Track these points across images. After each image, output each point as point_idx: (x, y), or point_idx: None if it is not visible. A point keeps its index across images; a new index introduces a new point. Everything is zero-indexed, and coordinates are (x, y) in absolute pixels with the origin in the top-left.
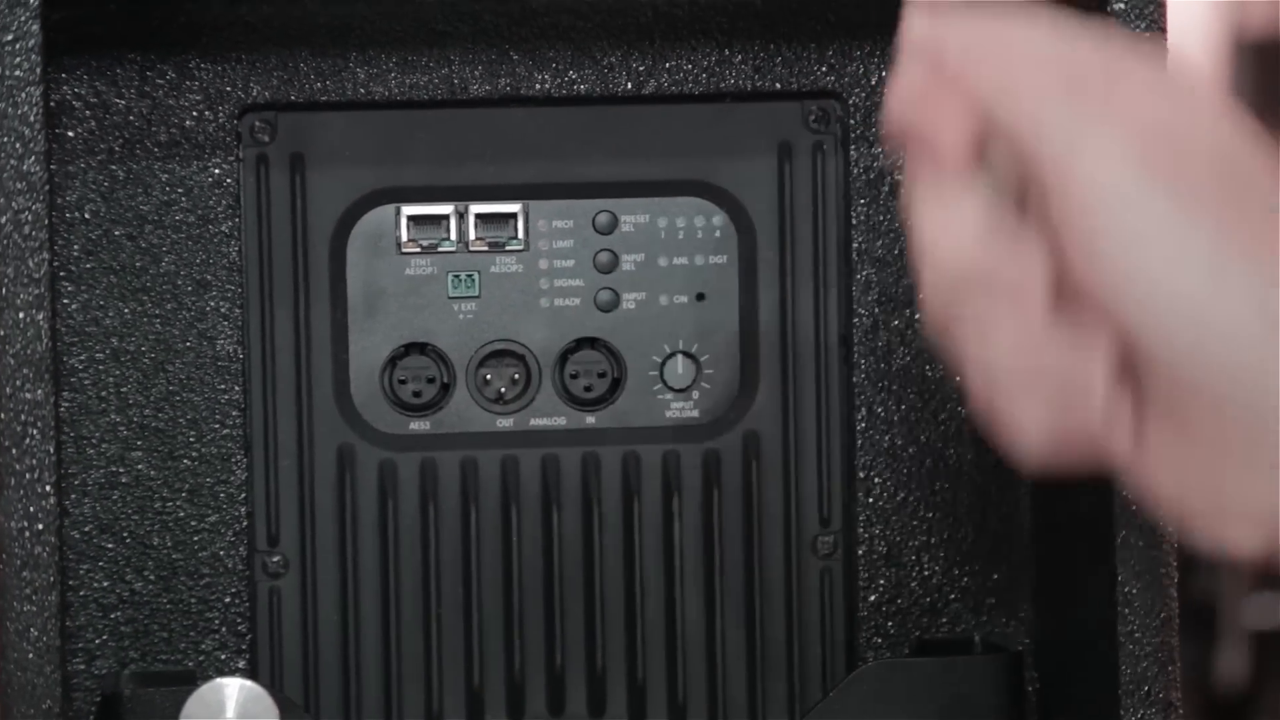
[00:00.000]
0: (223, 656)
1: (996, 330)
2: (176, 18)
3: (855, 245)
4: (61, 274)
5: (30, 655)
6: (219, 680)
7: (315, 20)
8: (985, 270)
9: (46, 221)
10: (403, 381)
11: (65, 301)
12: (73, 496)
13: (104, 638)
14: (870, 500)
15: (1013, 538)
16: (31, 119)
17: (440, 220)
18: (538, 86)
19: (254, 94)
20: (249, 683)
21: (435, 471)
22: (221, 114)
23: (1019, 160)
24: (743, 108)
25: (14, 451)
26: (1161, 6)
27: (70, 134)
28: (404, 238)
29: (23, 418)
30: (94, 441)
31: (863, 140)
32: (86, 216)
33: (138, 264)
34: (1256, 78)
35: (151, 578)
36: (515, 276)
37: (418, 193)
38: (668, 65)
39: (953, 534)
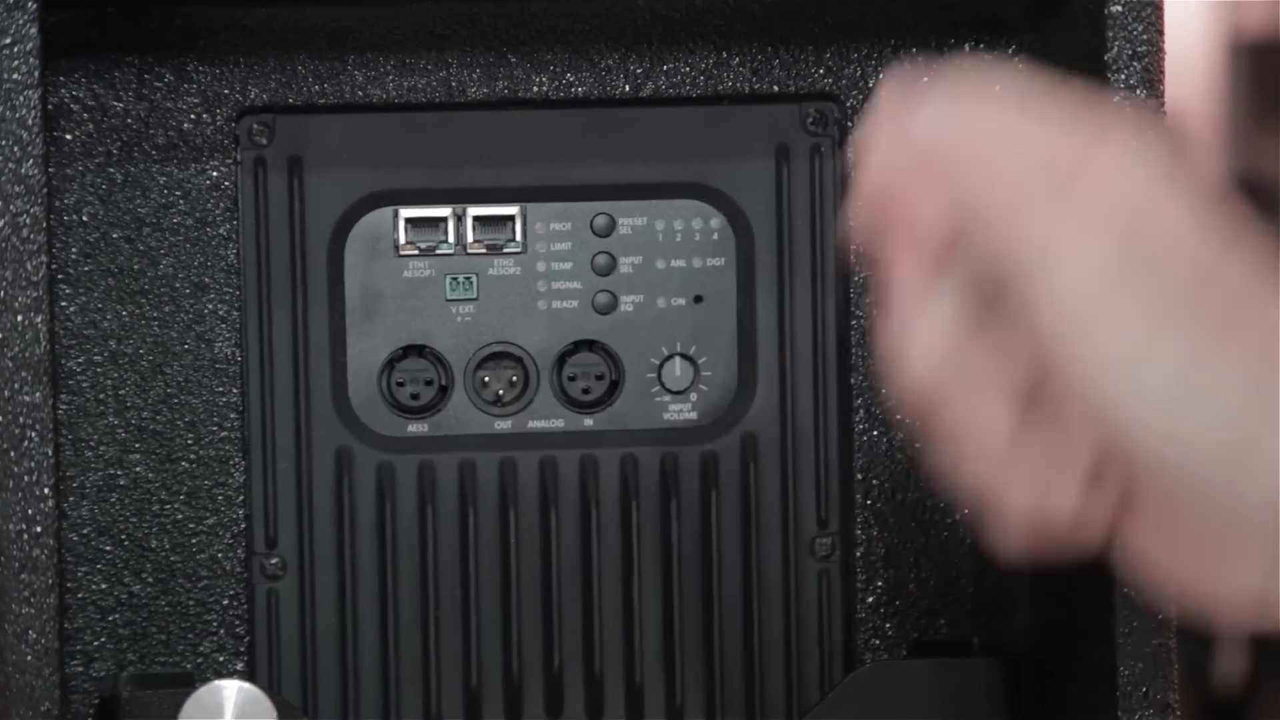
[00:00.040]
0: (221, 659)
1: (970, 427)
2: (174, 21)
3: (853, 247)
4: (59, 277)
5: (29, 657)
6: (217, 682)
7: (313, 23)
8: (958, 368)
9: (45, 224)
10: (401, 384)
11: (63, 304)
12: (71, 499)
13: (102, 640)
14: (868, 502)
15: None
16: (30, 122)
17: (438, 223)
18: (535, 89)
19: (252, 97)
20: (247, 685)
21: (433, 474)
22: (219, 117)
23: (992, 262)
24: (740, 110)
25: (12, 454)
26: (1159, 9)
27: (68, 137)
28: (402, 240)
29: (21, 420)
30: (92, 444)
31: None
32: (84, 219)
33: (136, 266)
34: (1253, 79)
35: (150, 580)
36: (513, 279)
37: (415, 195)
38: (665, 68)
39: (950, 536)
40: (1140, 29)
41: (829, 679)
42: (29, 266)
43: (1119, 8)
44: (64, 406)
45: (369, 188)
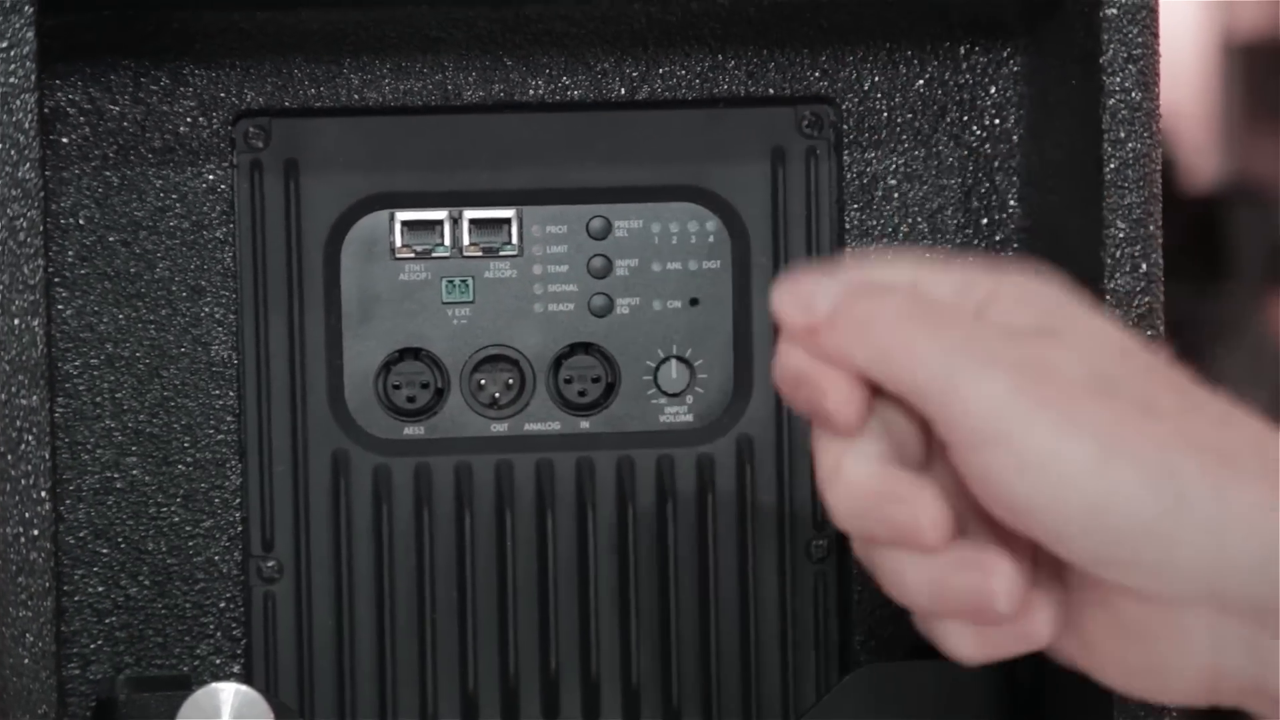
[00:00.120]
0: (217, 661)
1: (902, 563)
2: (170, 24)
3: (848, 250)
4: (56, 280)
5: (26, 660)
6: (214, 685)
7: (309, 27)
8: (880, 510)
9: (41, 228)
10: (397, 387)
11: (60, 307)
12: (67, 502)
13: (99, 643)
14: None
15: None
16: (26, 126)
17: (434, 226)
18: (531, 92)
19: (248, 100)
20: (244, 687)
21: (429, 476)
22: (215, 120)
23: (914, 405)
24: (736, 113)
25: (9, 457)
26: (1154, 11)
27: (64, 140)
28: (398, 243)
29: (18, 423)
30: (89, 447)
31: (855, 145)
32: (81, 222)
33: (132, 270)
34: (1247, 80)
35: (146, 583)
36: (509, 282)
37: (412, 198)
38: (661, 71)
39: None
40: (1135, 31)
41: (825, 681)
42: (26, 270)
43: (1114, 10)
44: (61, 409)
45: (365, 191)
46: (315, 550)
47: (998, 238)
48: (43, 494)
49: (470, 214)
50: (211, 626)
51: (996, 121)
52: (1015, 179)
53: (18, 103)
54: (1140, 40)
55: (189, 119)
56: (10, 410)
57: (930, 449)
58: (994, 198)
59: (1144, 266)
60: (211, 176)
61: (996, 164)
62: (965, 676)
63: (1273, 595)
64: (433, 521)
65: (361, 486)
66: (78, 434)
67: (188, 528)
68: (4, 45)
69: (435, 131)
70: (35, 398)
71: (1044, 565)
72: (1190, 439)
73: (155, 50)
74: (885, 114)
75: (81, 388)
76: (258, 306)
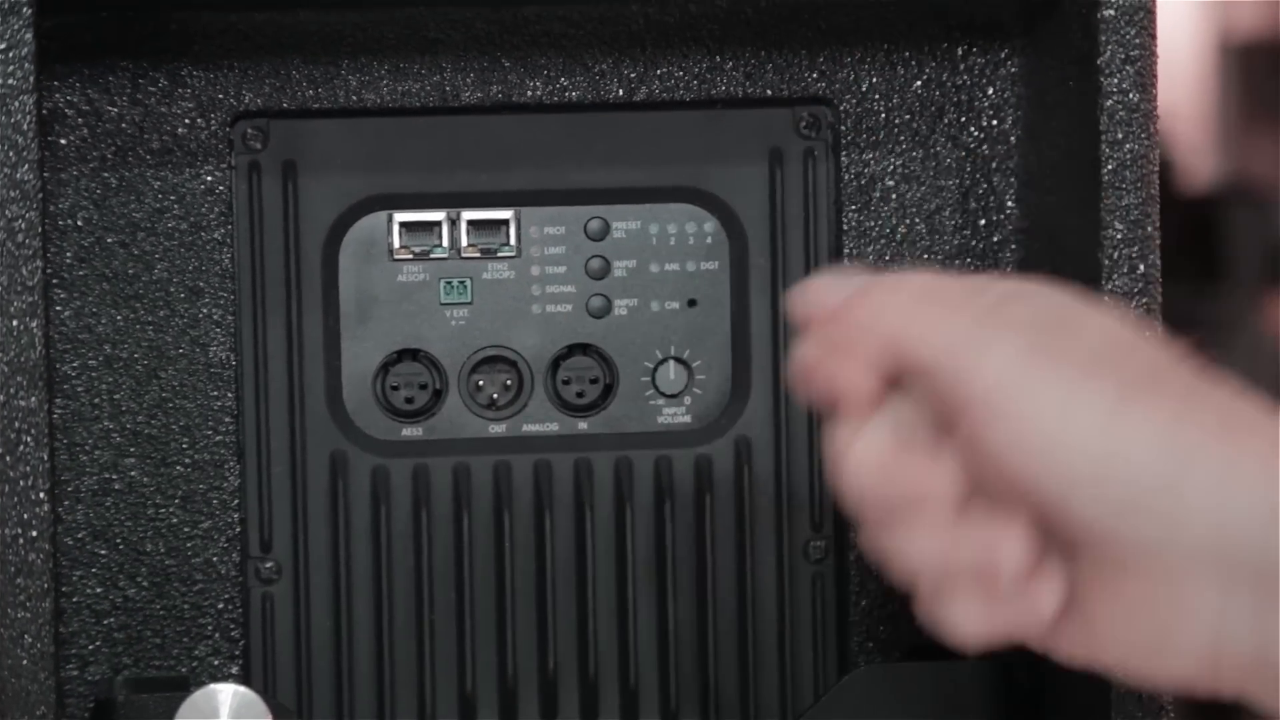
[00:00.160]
0: (216, 662)
1: (909, 534)
2: (168, 25)
3: (846, 251)
4: (54, 281)
5: (24, 661)
6: (212, 686)
7: (307, 28)
8: (891, 481)
9: (40, 229)
10: (395, 388)
11: (58, 309)
12: (66, 503)
13: (97, 644)
14: None
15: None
16: (25, 127)
17: (432, 227)
18: (529, 93)
19: (246, 101)
20: (242, 688)
21: (428, 477)
22: (214, 121)
23: (926, 386)
24: (734, 114)
25: (8, 458)
26: (1151, 13)
27: (63, 141)
28: (396, 244)
29: (16, 425)
30: (87, 448)
31: (853, 146)
32: (79, 224)
33: (130, 271)
34: (1243, 80)
35: (145, 584)
36: (507, 283)
37: (410, 199)
38: (659, 72)
39: None
40: (1133, 32)
41: (823, 682)
42: (24, 271)
43: (1111, 11)
44: (59, 411)
45: (363, 192)
46: (313, 551)
47: (995, 239)
48: (41, 495)
49: (468, 215)
50: (210, 628)
51: (994, 123)
52: (1013, 180)
53: (16, 104)
54: (1138, 41)
55: (187, 120)
56: (9, 411)
57: (938, 438)
58: (992, 199)
59: (1141, 267)
60: (210, 178)
61: (994, 165)
62: (964, 677)
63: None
64: (431, 522)
65: (360, 487)
66: (76, 435)
67: (186, 529)
68: (2, 46)
69: (433, 133)
70: (34, 399)
71: (1049, 544)
72: (1197, 406)
73: (153, 51)
74: (883, 115)
75: (80, 389)
76: (256, 308)
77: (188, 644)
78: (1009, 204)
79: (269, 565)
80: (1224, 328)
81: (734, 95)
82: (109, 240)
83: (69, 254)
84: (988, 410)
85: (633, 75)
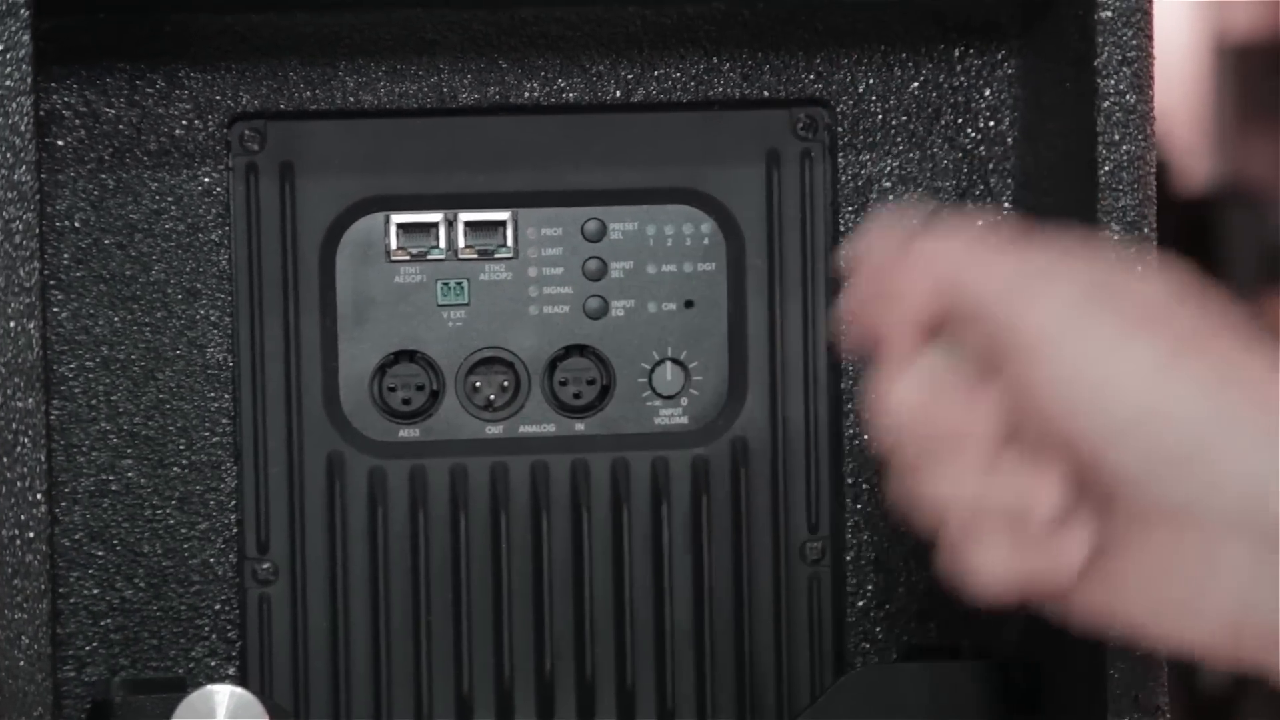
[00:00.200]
0: (213, 663)
1: (946, 473)
2: (165, 27)
3: (843, 252)
4: (52, 282)
5: (21, 663)
6: (209, 687)
7: (304, 29)
8: (933, 426)
9: (37, 230)
10: (392, 389)
11: (55, 310)
12: (63, 504)
13: (94, 645)
14: (858, 506)
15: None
16: (22, 129)
17: (429, 228)
18: (526, 95)
19: (243, 103)
20: (239, 689)
21: (425, 479)
22: (211, 123)
23: (975, 330)
24: (731, 116)
25: (5, 460)
26: (1148, 14)
27: (60, 143)
28: (393, 246)
29: (14, 426)
30: (84, 449)
31: (850, 148)
32: (76, 225)
33: (128, 272)
34: (1239, 81)
35: (142, 585)
36: (504, 284)
37: (407, 201)
38: (656, 73)
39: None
40: (1129, 34)
41: (819, 682)
42: (22, 273)
43: (1108, 13)
44: (56, 412)
45: (360, 193)
46: (310, 552)
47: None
48: (38, 496)
49: (465, 216)
50: (207, 629)
51: (991, 124)
52: (1010, 181)
53: (13, 105)
54: (1134, 43)
55: (184, 122)
56: (6, 413)
57: (980, 382)
58: (988, 200)
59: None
60: (207, 179)
61: (991, 166)
62: (960, 678)
63: None
64: (428, 523)
65: (357, 489)
66: (73, 436)
67: (183, 530)
68: (0, 48)
69: (430, 134)
70: (31, 400)
71: (1082, 494)
72: (1241, 372)
73: (151, 53)
74: (880, 116)
75: (77, 390)
76: (253, 309)
77: (185, 645)
78: (1006, 205)
79: (266, 566)
80: None
81: (731, 96)
82: (106, 241)
83: (66, 255)
84: (1036, 353)
85: (630, 76)
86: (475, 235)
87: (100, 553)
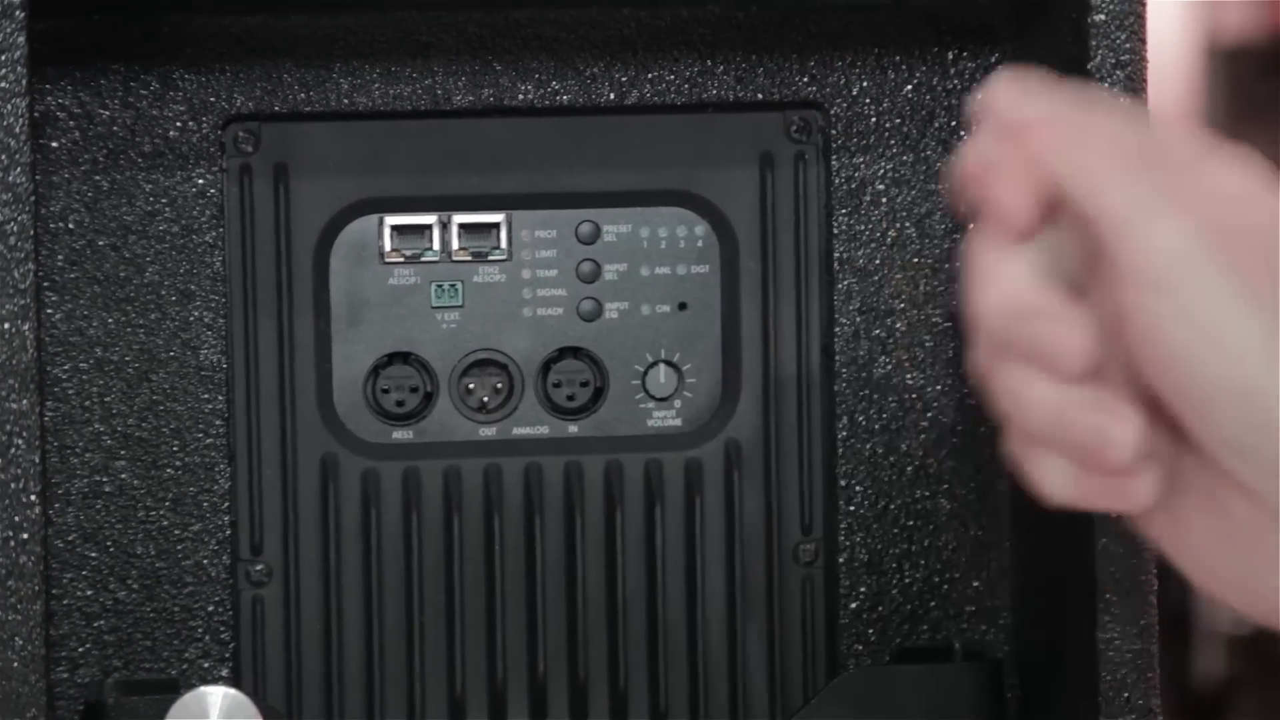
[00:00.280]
0: (206, 665)
1: (1031, 386)
2: (160, 28)
3: (837, 255)
4: (45, 284)
5: (15, 664)
6: (202, 688)
7: (299, 31)
8: (1027, 328)
9: (32, 232)
10: (386, 391)
11: (49, 311)
12: (56, 505)
13: (87, 646)
14: (851, 508)
15: (993, 545)
16: (17, 130)
17: (423, 230)
18: (521, 97)
19: (237, 104)
20: (232, 690)
21: (418, 480)
22: (205, 124)
23: (1086, 231)
24: (725, 118)
25: None
26: (1141, 17)
27: (54, 144)
28: (387, 247)
29: (8, 427)
30: (78, 451)
31: (844, 150)
32: (70, 227)
33: (122, 274)
34: (1231, 83)
35: (135, 586)
36: (498, 286)
37: (401, 203)
38: (650, 76)
39: (933, 542)
40: (1123, 37)
41: (812, 684)
42: (16, 274)
43: (1102, 16)
44: (50, 413)
45: (354, 195)
46: (304, 554)
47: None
48: (33, 498)
49: (459, 218)
50: (200, 630)
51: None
52: None
53: (8, 107)
54: (1128, 46)
55: (179, 123)
56: (0, 414)
57: (1090, 282)
58: None
59: None
60: (201, 181)
61: None
62: (953, 679)
63: None
64: (421, 525)
65: (350, 490)
66: (67, 438)
67: (176, 531)
68: None
69: (425, 136)
70: (25, 402)
71: (1165, 434)
72: None
73: (145, 55)
74: (874, 119)
75: (71, 392)
76: (247, 310)
77: (178, 646)
78: None
79: (259, 568)
80: None
81: (725, 99)
82: (100, 243)
83: (60, 257)
84: (1149, 282)
85: (624, 79)
86: (469, 237)
87: (94, 554)
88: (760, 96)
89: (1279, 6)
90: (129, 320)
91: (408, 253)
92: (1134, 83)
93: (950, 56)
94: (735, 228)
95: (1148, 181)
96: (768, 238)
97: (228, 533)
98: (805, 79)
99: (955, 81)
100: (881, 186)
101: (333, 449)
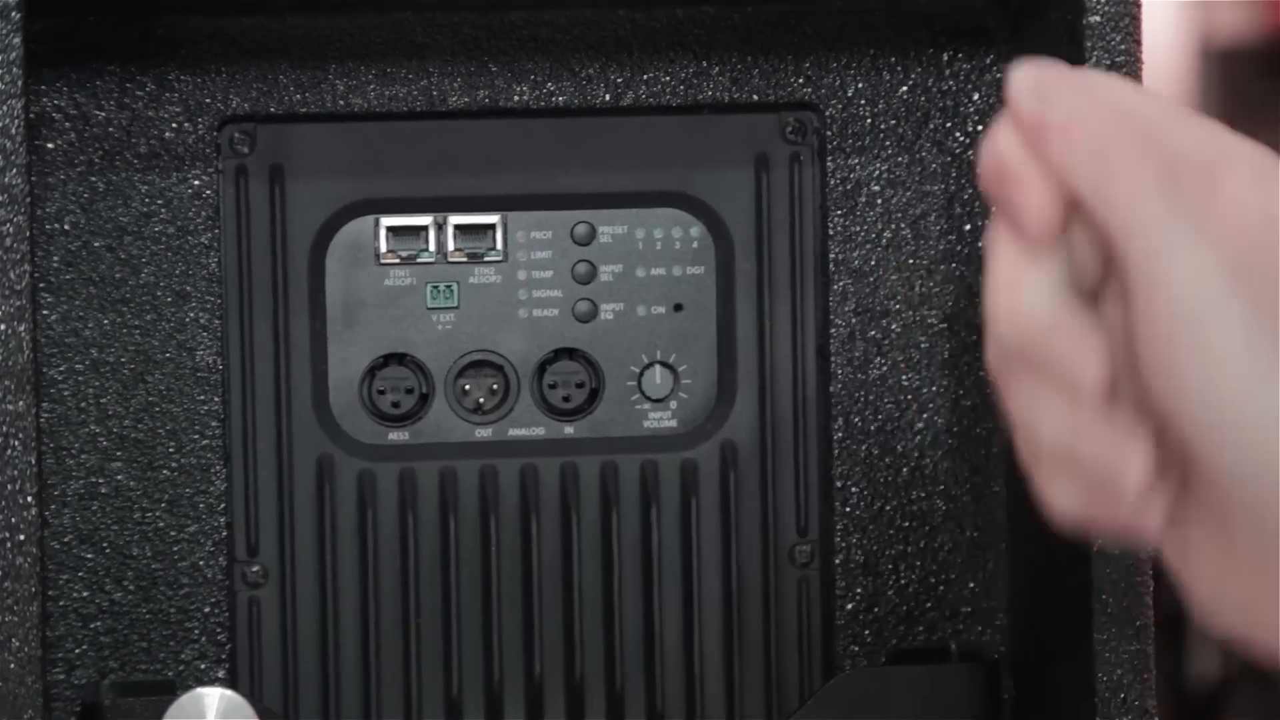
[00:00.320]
0: (202, 666)
1: (1044, 405)
2: (156, 30)
3: (832, 256)
4: (41, 285)
5: (11, 665)
6: (199, 689)
7: (294, 32)
8: (1044, 346)
9: (28, 233)
10: (381, 392)
11: (45, 313)
12: (52, 507)
13: (84, 648)
14: (847, 509)
15: (989, 546)
16: (13, 131)
17: (419, 231)
18: (516, 98)
19: (233, 105)
20: (229, 692)
21: (414, 481)
22: (201, 125)
23: (1104, 245)
24: (720, 119)
25: None
26: (1137, 19)
27: (50, 146)
28: (383, 249)
29: (3, 429)
30: (73, 452)
31: (839, 151)
32: (66, 228)
33: (117, 275)
34: (1225, 84)
35: (131, 588)
36: (494, 287)
37: (396, 204)
38: (645, 77)
39: (929, 543)
40: (1118, 39)
41: (808, 685)
42: (12, 275)
43: (1097, 18)
44: (45, 415)
45: (350, 196)
46: (300, 555)
47: (981, 244)
48: (29, 499)
49: (455, 219)
50: (196, 631)
51: (980, 128)
52: None
53: (4, 108)
54: (1123, 48)
55: (174, 124)
56: None
57: (1104, 290)
58: (977, 204)
59: None
60: (197, 182)
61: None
62: (949, 681)
63: None
64: (417, 526)
65: (346, 491)
66: (62, 439)
67: (172, 533)
68: None
69: (420, 137)
70: (21, 403)
71: (1174, 454)
72: None
73: (141, 56)
74: (869, 120)
75: (66, 393)
76: (243, 311)
77: (174, 648)
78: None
79: (255, 569)
80: None
81: (720, 100)
82: (96, 244)
83: (56, 258)
84: (1166, 311)
85: (619, 80)
86: (465, 238)
87: (90, 555)
88: (755, 98)
89: (1273, 7)
90: (124, 321)
91: (403, 254)
92: None
93: (945, 58)
94: (731, 229)
95: (1170, 204)
96: (763, 239)
97: (223, 534)
98: (800, 80)
99: (950, 83)
100: (877, 188)
101: (328, 450)
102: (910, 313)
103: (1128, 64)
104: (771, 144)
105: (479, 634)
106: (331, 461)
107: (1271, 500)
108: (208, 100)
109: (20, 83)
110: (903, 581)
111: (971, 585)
